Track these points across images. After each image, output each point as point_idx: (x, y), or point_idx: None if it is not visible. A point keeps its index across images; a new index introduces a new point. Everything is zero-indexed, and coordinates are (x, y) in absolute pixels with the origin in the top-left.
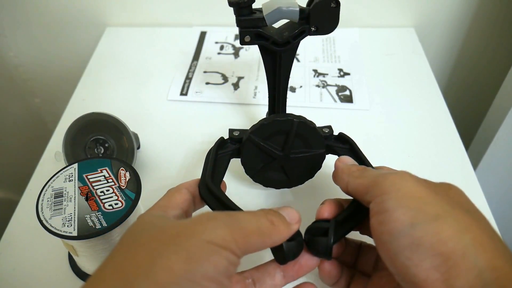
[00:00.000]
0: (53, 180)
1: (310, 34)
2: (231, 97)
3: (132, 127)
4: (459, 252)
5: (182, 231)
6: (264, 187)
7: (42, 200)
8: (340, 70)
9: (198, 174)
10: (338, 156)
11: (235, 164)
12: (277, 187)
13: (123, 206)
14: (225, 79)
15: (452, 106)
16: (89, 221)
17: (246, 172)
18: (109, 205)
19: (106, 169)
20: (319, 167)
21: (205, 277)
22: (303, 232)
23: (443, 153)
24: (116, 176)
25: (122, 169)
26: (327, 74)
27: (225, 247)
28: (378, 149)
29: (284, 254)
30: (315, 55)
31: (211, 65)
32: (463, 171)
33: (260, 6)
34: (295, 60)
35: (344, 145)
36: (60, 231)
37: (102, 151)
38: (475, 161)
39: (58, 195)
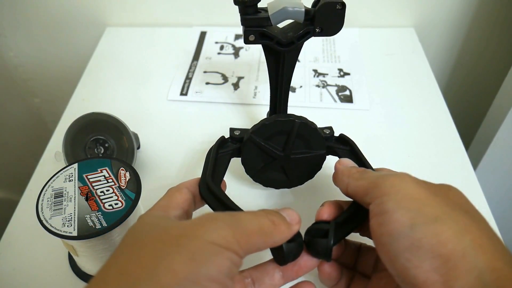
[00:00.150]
0: (53, 180)
1: (315, 35)
2: (231, 97)
3: (132, 127)
4: (459, 254)
5: (185, 232)
6: (264, 187)
7: (42, 200)
8: (340, 70)
9: (198, 174)
10: (339, 157)
11: (235, 163)
12: (277, 187)
13: (123, 206)
14: (225, 79)
15: (452, 106)
16: (89, 221)
17: (246, 171)
18: (109, 205)
19: (106, 169)
20: (319, 168)
21: (209, 279)
22: (303, 233)
23: (443, 153)
24: (116, 176)
25: (122, 169)
26: (327, 74)
27: (227, 247)
28: (378, 149)
29: (284, 255)
30: (315, 55)
31: (211, 65)
32: (463, 171)
33: (265, 6)
34: None
35: (344, 146)
36: (60, 231)
37: (102, 151)
38: (475, 161)
39: (58, 195)
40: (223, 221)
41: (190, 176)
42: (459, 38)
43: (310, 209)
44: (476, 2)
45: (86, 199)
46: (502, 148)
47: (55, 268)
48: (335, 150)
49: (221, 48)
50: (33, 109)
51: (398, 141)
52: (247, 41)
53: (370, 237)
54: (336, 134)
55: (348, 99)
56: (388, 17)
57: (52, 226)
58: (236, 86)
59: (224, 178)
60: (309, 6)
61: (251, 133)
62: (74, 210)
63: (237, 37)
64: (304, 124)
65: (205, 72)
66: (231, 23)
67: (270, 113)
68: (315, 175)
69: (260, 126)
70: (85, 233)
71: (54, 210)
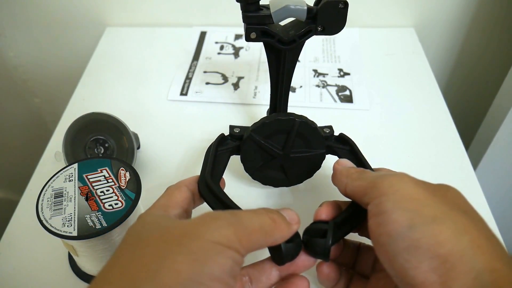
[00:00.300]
0: (53, 180)
1: (317, 34)
2: (231, 97)
3: (132, 127)
4: (457, 254)
5: (187, 231)
6: (263, 186)
7: (42, 200)
8: (340, 70)
9: (198, 173)
10: (338, 157)
11: (234, 161)
12: (275, 185)
13: (123, 206)
14: (225, 79)
15: (452, 106)
16: (89, 221)
17: (246, 169)
18: (109, 205)
19: (106, 169)
20: (319, 167)
21: (211, 278)
22: (301, 234)
23: (443, 153)
24: (116, 176)
25: (122, 169)
26: (327, 74)
27: (229, 246)
28: (378, 149)
29: (282, 255)
30: (315, 55)
31: (211, 65)
32: (463, 171)
33: (267, 3)
34: None
35: (344, 146)
36: (60, 231)
37: (102, 151)
38: (475, 161)
39: (58, 195)
40: (224, 220)
41: (190, 175)
42: (459, 38)
43: (308, 209)
44: (476, 2)
45: (86, 199)
46: (502, 148)
47: (55, 268)
48: (335, 149)
49: (221, 48)
50: (33, 109)
51: (398, 141)
52: (248, 39)
53: (368, 237)
54: (336, 133)
55: (348, 99)
56: (388, 17)
57: (52, 226)
58: (236, 86)
59: (223, 176)
60: (312, 4)
61: (251, 131)
62: (74, 210)
63: (237, 37)
64: (304, 123)
65: (205, 72)
66: (231, 23)
67: (270, 111)
68: (314, 175)
69: (260, 125)
70: (85, 233)
71: (54, 210)
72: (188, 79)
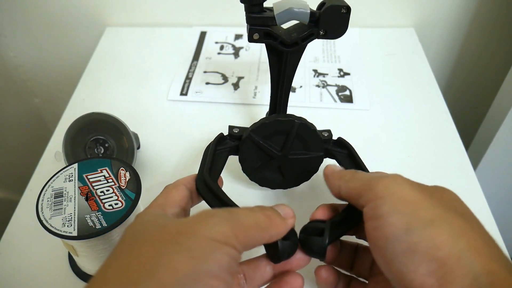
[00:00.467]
0: (53, 180)
1: (318, 38)
2: (231, 97)
3: (132, 127)
4: (455, 257)
5: (184, 229)
6: (260, 187)
7: (42, 200)
8: (340, 70)
9: (196, 173)
10: (337, 160)
11: (232, 162)
12: (272, 187)
13: (123, 206)
14: (225, 79)
15: (452, 106)
16: (89, 221)
17: (243, 170)
18: (109, 205)
19: (106, 169)
20: (316, 170)
21: (209, 275)
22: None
23: (443, 153)
24: (116, 176)
25: (122, 169)
26: (327, 74)
27: (226, 243)
28: (378, 149)
29: (278, 253)
30: (315, 55)
31: (211, 65)
32: (463, 171)
33: (271, 6)
34: None
35: (342, 149)
36: (60, 231)
37: (102, 151)
38: (475, 161)
39: (58, 195)
40: (221, 217)
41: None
42: (459, 38)
43: (305, 212)
44: (476, 2)
45: (86, 199)
46: (502, 148)
47: (55, 268)
48: (333, 153)
49: (221, 48)
50: (33, 109)
51: (398, 141)
52: (251, 40)
53: (366, 239)
54: (336, 133)
55: (348, 99)
56: (388, 17)
57: (52, 226)
58: (236, 86)
59: (220, 175)
60: (315, 8)
61: (250, 131)
62: (74, 210)
63: (237, 37)
64: (304, 125)
65: (205, 72)
66: (231, 23)
67: (270, 112)
68: (311, 178)
69: (260, 125)
70: (85, 233)
71: (54, 210)
72: (188, 79)
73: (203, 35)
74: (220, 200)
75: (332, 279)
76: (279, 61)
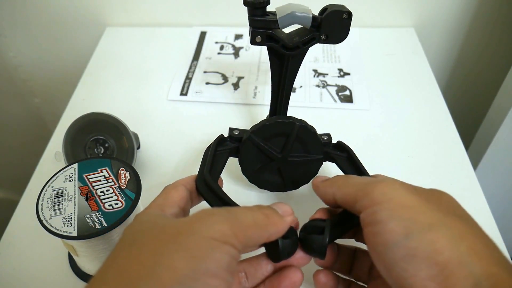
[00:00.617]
0: (53, 180)
1: (320, 42)
2: (231, 97)
3: (132, 127)
4: (455, 261)
5: (183, 229)
6: (259, 190)
7: (42, 200)
8: (340, 70)
9: (197, 173)
10: (336, 163)
11: (231, 164)
12: (272, 189)
13: (123, 206)
14: (225, 79)
15: (452, 106)
16: (89, 221)
17: (243, 171)
18: (109, 205)
19: (106, 169)
20: (316, 173)
21: (209, 274)
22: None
23: (443, 153)
24: (116, 176)
25: (122, 169)
26: (327, 74)
27: (225, 241)
28: (378, 149)
29: (279, 252)
30: (315, 55)
31: (211, 65)
32: (463, 171)
33: (274, 10)
34: None
35: (342, 153)
36: (60, 231)
37: (102, 151)
38: (475, 161)
39: (58, 195)
40: (219, 216)
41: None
42: (459, 38)
43: (304, 214)
44: (476, 2)
45: (86, 199)
46: (502, 148)
47: (55, 268)
48: (333, 156)
49: (221, 48)
50: (33, 109)
51: (398, 141)
52: (253, 42)
53: (365, 243)
54: (336, 133)
55: (348, 99)
56: (388, 17)
57: (52, 226)
58: (236, 86)
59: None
60: (317, 13)
61: (251, 133)
62: (74, 210)
63: (237, 37)
64: (304, 127)
65: (205, 72)
66: (231, 23)
67: (270, 114)
68: (310, 181)
69: (261, 126)
70: (85, 233)
71: (54, 210)
72: (188, 79)
73: (203, 35)
74: (220, 199)
75: (331, 283)
76: (280, 64)
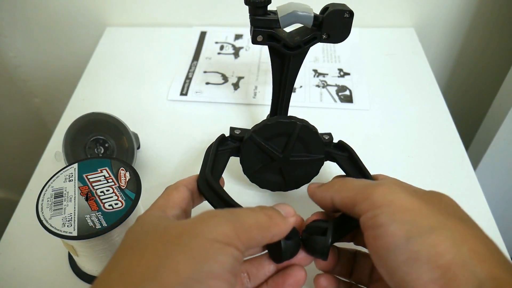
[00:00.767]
0: (53, 180)
1: (321, 41)
2: (231, 97)
3: (132, 127)
4: (458, 264)
5: (186, 230)
6: (260, 189)
7: (42, 200)
8: (340, 70)
9: (197, 173)
10: (337, 163)
11: (232, 163)
12: (273, 189)
13: (123, 206)
14: (225, 79)
15: (452, 106)
16: (89, 221)
17: (244, 171)
18: (109, 205)
19: (106, 169)
20: (317, 173)
21: (212, 276)
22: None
23: (443, 153)
24: (116, 176)
25: (122, 169)
26: (327, 74)
27: (228, 243)
28: (378, 149)
29: (281, 253)
30: (315, 55)
31: (211, 65)
32: (463, 171)
33: (275, 9)
34: None
35: (343, 152)
36: (60, 231)
37: (102, 151)
38: (475, 161)
39: (58, 195)
40: (222, 217)
41: (189, 175)
42: (459, 38)
43: (304, 214)
44: (476, 2)
45: (86, 199)
46: (502, 148)
47: (55, 268)
48: (334, 156)
49: (221, 48)
50: (33, 109)
51: (398, 141)
52: (255, 42)
53: (364, 246)
54: (336, 133)
55: (348, 99)
56: (388, 17)
57: (52, 226)
58: (236, 86)
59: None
60: (318, 12)
61: (252, 132)
62: (74, 210)
63: (237, 37)
64: (306, 127)
65: (205, 72)
66: (231, 23)
67: (271, 114)
68: (311, 181)
69: (262, 126)
70: (85, 233)
71: (54, 210)
72: (188, 79)
73: (203, 35)
74: (222, 199)
75: (332, 287)
76: (281, 63)
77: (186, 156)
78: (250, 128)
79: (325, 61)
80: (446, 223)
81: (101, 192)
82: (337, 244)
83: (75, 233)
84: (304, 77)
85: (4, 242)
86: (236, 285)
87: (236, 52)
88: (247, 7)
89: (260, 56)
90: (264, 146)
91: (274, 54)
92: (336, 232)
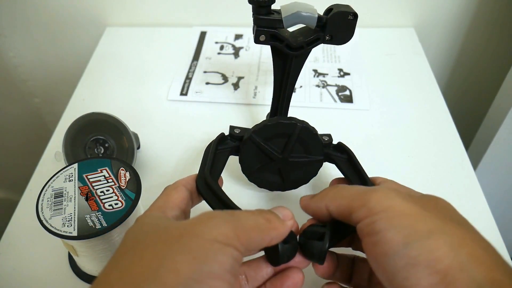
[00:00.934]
0: (53, 180)
1: (324, 43)
2: (231, 97)
3: (132, 127)
4: (456, 268)
5: (185, 231)
6: (258, 188)
7: (42, 200)
8: (340, 70)
9: (197, 173)
10: (336, 165)
11: (231, 162)
12: (271, 189)
13: (123, 206)
14: (225, 79)
15: (452, 106)
16: (89, 221)
17: (243, 170)
18: (109, 205)
19: (106, 169)
20: (315, 174)
21: (212, 276)
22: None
23: (443, 153)
24: (116, 176)
25: (122, 169)
26: (327, 74)
27: (228, 244)
28: (378, 149)
29: (278, 256)
30: (315, 55)
31: (211, 65)
32: (463, 171)
33: (279, 8)
34: None
35: (342, 154)
36: (60, 231)
37: (102, 151)
38: (475, 161)
39: (58, 195)
40: (222, 218)
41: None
42: (459, 38)
43: (303, 215)
44: (476, 2)
45: (86, 199)
46: (502, 148)
47: (55, 268)
48: (333, 157)
49: (221, 48)
50: (33, 109)
51: (398, 141)
52: (257, 41)
53: (362, 251)
54: (336, 133)
55: (348, 99)
56: (388, 17)
57: (52, 226)
58: (236, 86)
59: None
60: (322, 13)
61: (252, 132)
62: (74, 210)
63: (237, 37)
64: (306, 128)
65: (205, 72)
66: (231, 23)
67: (271, 114)
68: (310, 181)
69: (262, 127)
70: (85, 233)
71: (54, 210)
72: (188, 79)
73: (203, 35)
74: (220, 200)
75: None
76: (283, 64)
77: (186, 156)
78: (250, 127)
79: (325, 61)
80: (444, 227)
81: (101, 192)
82: (336, 250)
83: (75, 233)
84: (304, 77)
85: (4, 242)
86: (235, 285)
87: (236, 52)
88: (247, 7)
89: (260, 56)
90: (264, 147)
91: (276, 54)
92: (333, 236)
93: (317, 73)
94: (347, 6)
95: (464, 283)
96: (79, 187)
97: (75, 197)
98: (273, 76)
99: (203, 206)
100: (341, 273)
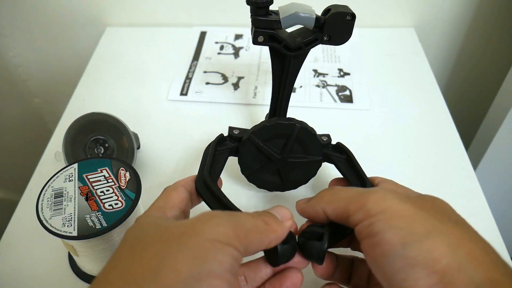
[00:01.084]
0: (53, 180)
1: (322, 43)
2: (231, 97)
3: (132, 127)
4: (454, 268)
5: (186, 230)
6: (258, 189)
7: (42, 200)
8: (340, 70)
9: (196, 173)
10: (335, 165)
11: (230, 163)
12: (270, 189)
13: (123, 206)
14: (225, 79)
15: (452, 106)
16: (89, 221)
17: (242, 171)
18: (109, 205)
19: (106, 169)
20: (314, 174)
21: (212, 275)
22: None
23: (443, 153)
24: (116, 176)
25: (122, 169)
26: (327, 74)
27: (228, 243)
28: (378, 149)
29: (277, 257)
30: (315, 55)
31: (211, 65)
32: (463, 171)
33: (277, 9)
34: None
35: (341, 154)
36: (60, 231)
37: (102, 151)
38: (475, 161)
39: (58, 195)
40: (222, 218)
41: (189, 175)
42: (459, 38)
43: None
44: (476, 2)
45: (86, 199)
46: (502, 148)
47: (55, 268)
48: (332, 158)
49: (221, 48)
50: (33, 109)
51: (398, 141)
52: (255, 42)
53: (361, 251)
54: (336, 133)
55: (348, 99)
56: (388, 17)
57: (52, 226)
58: (236, 86)
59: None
60: (320, 14)
61: (251, 133)
62: (74, 210)
63: (237, 37)
64: (304, 129)
65: (205, 72)
66: (231, 23)
67: (270, 115)
68: (309, 182)
69: (261, 127)
70: (85, 233)
71: (54, 210)
72: (188, 79)
73: (203, 35)
74: (219, 201)
75: None
76: (282, 64)
77: (186, 156)
78: (249, 128)
79: (325, 61)
80: (442, 227)
81: (101, 192)
82: (335, 250)
83: (75, 233)
84: (304, 77)
85: (4, 242)
86: (235, 285)
87: (236, 52)
88: (247, 7)
89: (260, 56)
90: (263, 147)
91: (274, 55)
92: (332, 237)
93: (317, 73)
94: (345, 6)
95: (462, 283)
96: (79, 187)
97: (75, 197)
98: (272, 77)
99: (203, 206)
100: (340, 273)
